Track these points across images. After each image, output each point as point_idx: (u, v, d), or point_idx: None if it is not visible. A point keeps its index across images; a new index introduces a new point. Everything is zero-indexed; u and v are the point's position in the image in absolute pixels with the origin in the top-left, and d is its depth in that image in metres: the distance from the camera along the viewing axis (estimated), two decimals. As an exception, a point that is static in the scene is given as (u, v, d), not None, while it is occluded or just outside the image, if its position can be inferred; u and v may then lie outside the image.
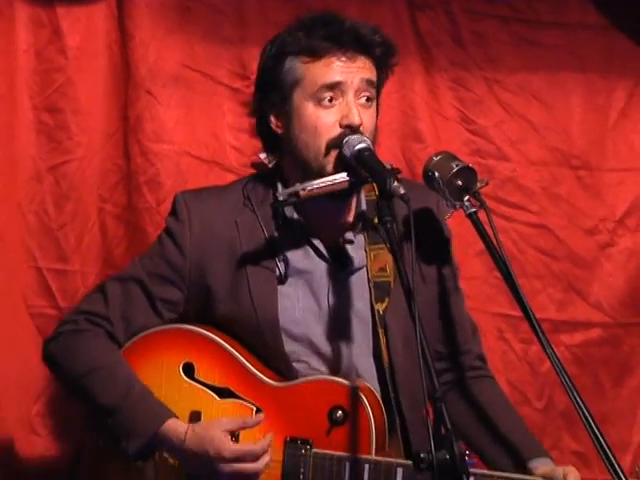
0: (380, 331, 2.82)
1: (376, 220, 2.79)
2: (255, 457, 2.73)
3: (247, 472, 2.74)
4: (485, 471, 2.75)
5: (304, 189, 2.68)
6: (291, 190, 2.70)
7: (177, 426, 2.75)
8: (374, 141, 2.80)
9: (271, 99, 2.81)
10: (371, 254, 2.87)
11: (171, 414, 2.78)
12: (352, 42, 2.76)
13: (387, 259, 2.83)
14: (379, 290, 2.85)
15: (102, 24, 3.71)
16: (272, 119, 2.83)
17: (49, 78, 3.67)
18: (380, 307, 2.84)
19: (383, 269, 2.85)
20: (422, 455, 2.27)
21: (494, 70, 3.94)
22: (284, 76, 2.78)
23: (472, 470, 2.60)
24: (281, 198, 2.71)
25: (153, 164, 3.69)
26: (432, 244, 2.91)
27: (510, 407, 3.02)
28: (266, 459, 2.75)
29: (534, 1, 3.94)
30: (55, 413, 3.66)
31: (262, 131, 2.88)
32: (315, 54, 2.75)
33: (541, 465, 2.79)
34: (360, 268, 2.86)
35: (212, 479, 2.78)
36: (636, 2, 3.96)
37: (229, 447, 2.71)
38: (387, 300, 2.84)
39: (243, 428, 2.75)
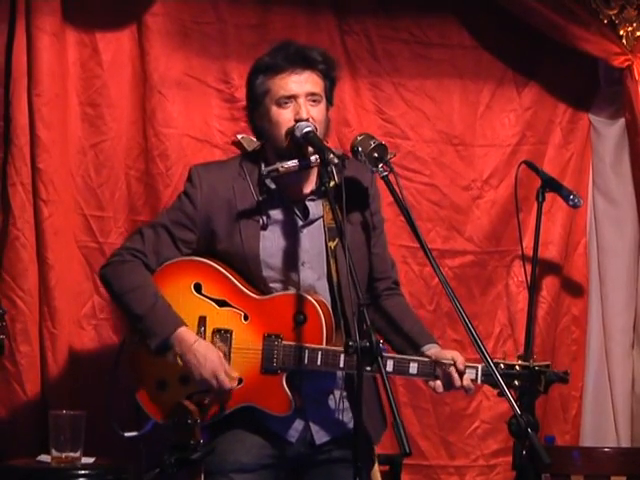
0: (332, 261, 3.12)
1: (331, 186, 2.99)
2: (229, 378, 3.05)
3: (219, 382, 3.04)
4: (401, 355, 3.10)
5: (282, 167, 3.04)
6: (272, 167, 3.06)
7: (188, 333, 3.08)
8: (327, 128, 3.14)
9: (254, 105, 3.15)
10: (326, 208, 3.14)
11: (184, 324, 3.08)
12: (298, 60, 3.08)
13: (335, 213, 3.00)
14: (331, 232, 3.13)
15: (127, 44, 4.09)
16: (255, 116, 3.17)
17: (90, 82, 4.05)
18: (332, 244, 3.14)
19: (334, 218, 3.01)
20: (350, 343, 2.72)
21: (399, 77, 4.40)
22: (258, 89, 3.12)
23: (391, 355, 3.07)
24: (265, 172, 3.10)
25: (163, 142, 4.09)
26: (361, 201, 3.20)
27: (412, 313, 3.34)
28: (233, 384, 3.05)
29: (426, 29, 4.41)
30: (95, 315, 4.04)
31: (252, 126, 3.21)
32: (274, 71, 3.08)
33: (431, 348, 3.15)
34: (319, 218, 3.17)
35: (195, 378, 3.07)
36: (496, 31, 4.48)
37: (221, 362, 3.05)
38: (337, 240, 3.11)
39: (228, 372, 3.05)
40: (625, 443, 4.54)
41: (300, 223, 3.18)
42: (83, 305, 4.06)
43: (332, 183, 3.03)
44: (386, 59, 4.41)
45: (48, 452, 3.55)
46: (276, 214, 3.18)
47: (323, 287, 3.17)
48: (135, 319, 3.12)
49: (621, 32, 4.44)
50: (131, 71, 4.12)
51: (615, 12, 4.43)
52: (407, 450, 2.63)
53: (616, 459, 3.96)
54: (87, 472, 3.48)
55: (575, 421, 4.55)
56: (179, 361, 3.09)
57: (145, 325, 3.10)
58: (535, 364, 3.12)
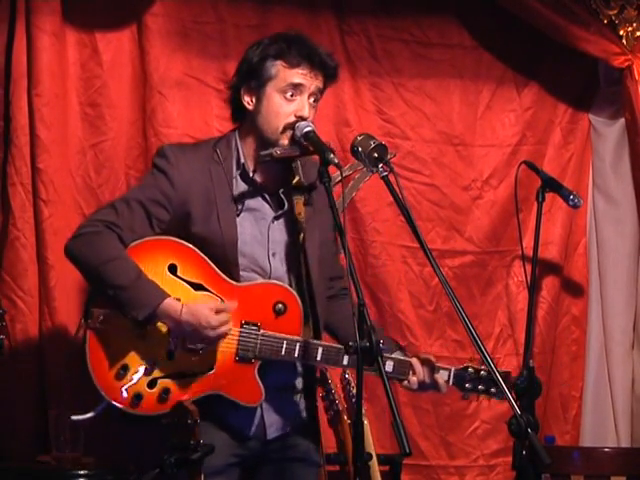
0: (301, 254, 3.13)
1: (294, 181, 3.12)
2: (223, 315, 3.00)
3: (217, 323, 2.98)
4: (403, 357, 3.11)
5: (277, 152, 3.06)
6: (267, 152, 3.07)
7: (175, 303, 3.01)
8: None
9: (249, 83, 3.13)
10: (297, 202, 3.14)
11: (169, 295, 3.02)
12: (319, 64, 3.11)
13: (301, 207, 3.13)
14: (301, 226, 3.13)
15: (127, 45, 4.11)
16: (245, 97, 3.14)
17: (90, 83, 4.07)
18: (301, 238, 3.13)
19: (300, 213, 3.12)
20: (350, 343, 2.70)
21: (399, 77, 4.43)
22: (264, 70, 3.10)
23: (390, 355, 3.07)
24: (261, 155, 3.09)
25: (163, 142, 3.94)
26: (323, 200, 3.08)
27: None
28: (230, 326, 3.01)
29: (426, 29, 4.43)
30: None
31: (233, 101, 3.21)
32: (291, 63, 3.09)
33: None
34: (290, 210, 3.15)
35: (193, 339, 3.02)
36: (496, 31, 4.50)
37: (212, 315, 2.99)
38: (302, 234, 3.13)
39: (223, 308, 3.02)
40: (625, 443, 4.55)
41: (272, 214, 3.18)
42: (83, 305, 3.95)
43: (297, 179, 3.14)
44: (386, 59, 4.43)
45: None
46: (249, 202, 3.17)
47: (291, 279, 3.18)
48: (117, 289, 3.01)
49: (621, 32, 4.48)
50: (131, 71, 4.14)
51: (615, 12, 4.46)
52: (407, 450, 2.63)
53: (616, 459, 3.99)
54: (87, 472, 3.48)
55: (575, 421, 4.58)
56: (162, 329, 3.03)
57: (130, 295, 3.01)
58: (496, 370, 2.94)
